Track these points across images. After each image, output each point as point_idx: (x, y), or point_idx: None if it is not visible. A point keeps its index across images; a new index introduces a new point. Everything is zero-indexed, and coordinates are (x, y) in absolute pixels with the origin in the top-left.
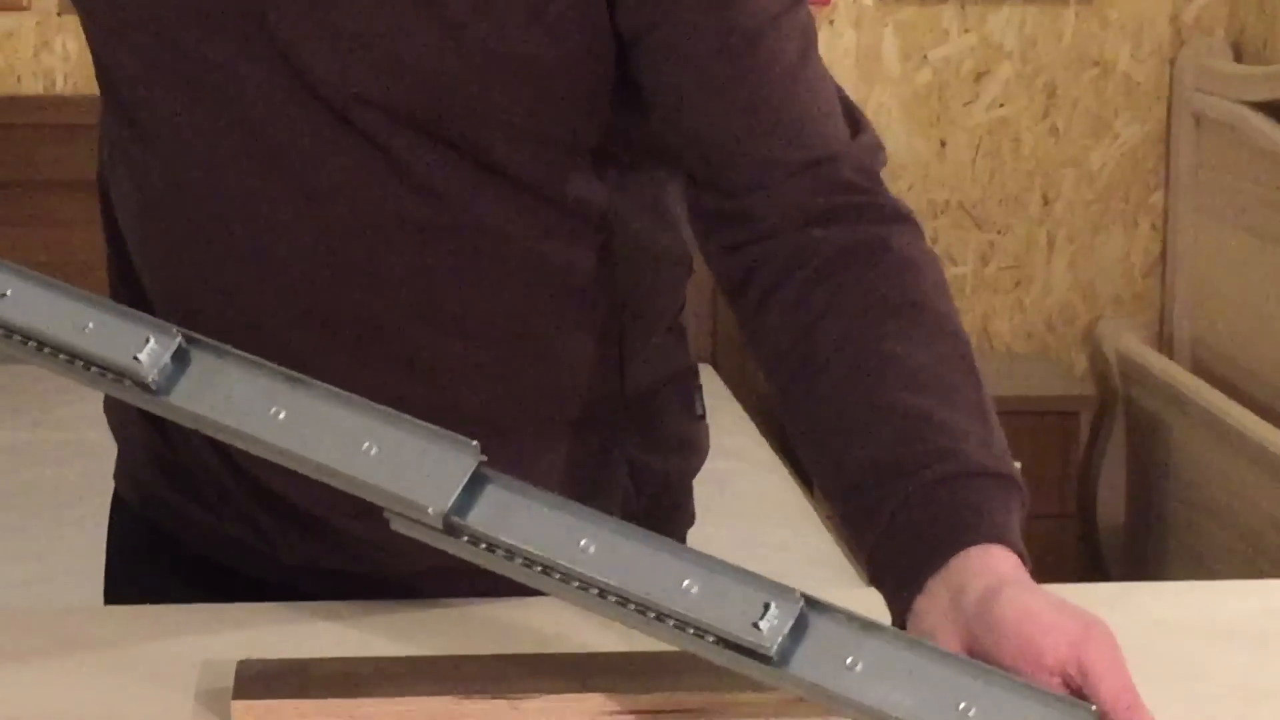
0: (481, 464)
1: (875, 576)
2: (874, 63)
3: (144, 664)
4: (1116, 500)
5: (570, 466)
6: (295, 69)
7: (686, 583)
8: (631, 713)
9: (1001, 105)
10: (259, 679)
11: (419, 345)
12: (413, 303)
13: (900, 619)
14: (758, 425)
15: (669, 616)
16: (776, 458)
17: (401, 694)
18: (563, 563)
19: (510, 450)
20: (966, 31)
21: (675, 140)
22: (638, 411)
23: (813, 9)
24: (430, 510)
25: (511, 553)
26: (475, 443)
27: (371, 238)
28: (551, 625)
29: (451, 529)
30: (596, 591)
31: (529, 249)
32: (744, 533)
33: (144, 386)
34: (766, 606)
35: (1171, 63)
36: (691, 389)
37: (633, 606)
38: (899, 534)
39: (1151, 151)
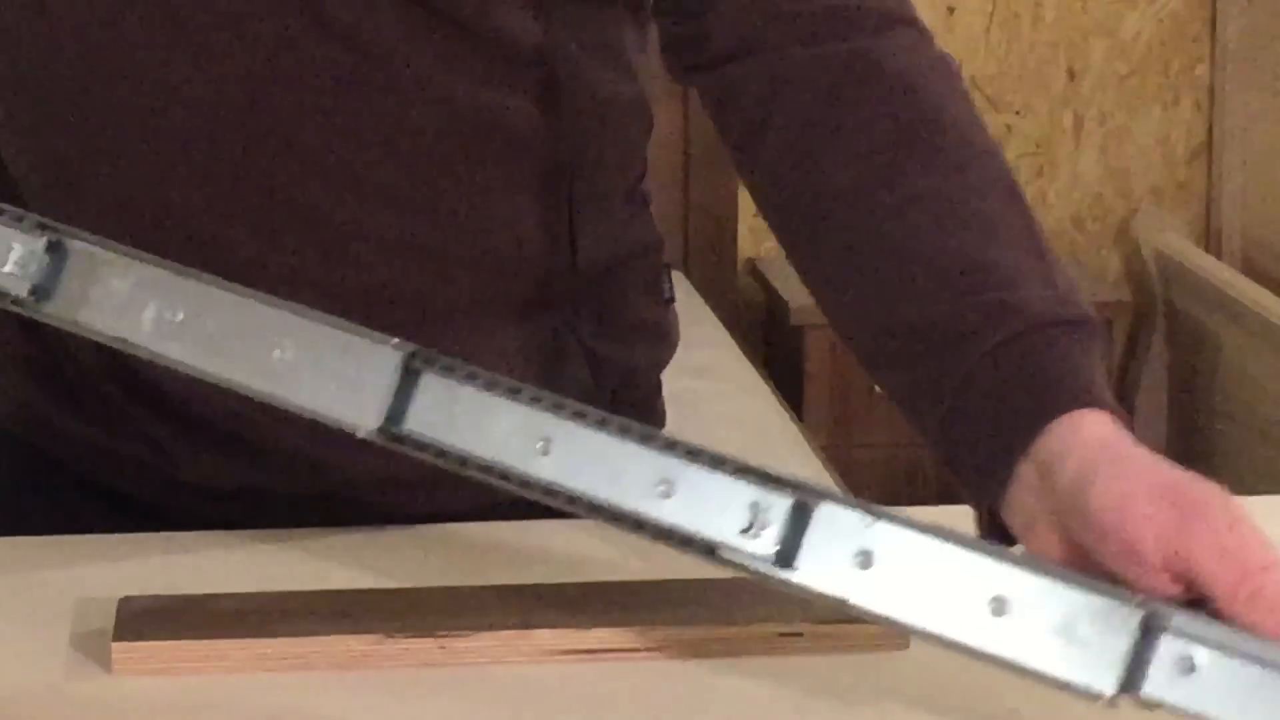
0: (411, 356)
1: (951, 466)
2: None
3: (14, 602)
4: (1157, 420)
5: (518, 357)
6: None
7: (662, 486)
8: (581, 652)
9: None
10: (143, 618)
11: (338, 219)
12: (329, 168)
13: (990, 516)
14: (736, 340)
15: (645, 524)
16: (758, 377)
17: (310, 633)
18: (517, 468)
19: (447, 339)
20: None
21: None
22: (595, 292)
23: None
24: (360, 430)
25: (463, 460)
26: (395, 341)
27: (278, 93)
28: (514, 556)
29: (391, 439)
30: (564, 497)
31: (459, 98)
32: None
33: (15, 302)
34: (755, 506)
35: None
36: (658, 268)
37: (605, 515)
38: (969, 418)
39: (1195, 16)
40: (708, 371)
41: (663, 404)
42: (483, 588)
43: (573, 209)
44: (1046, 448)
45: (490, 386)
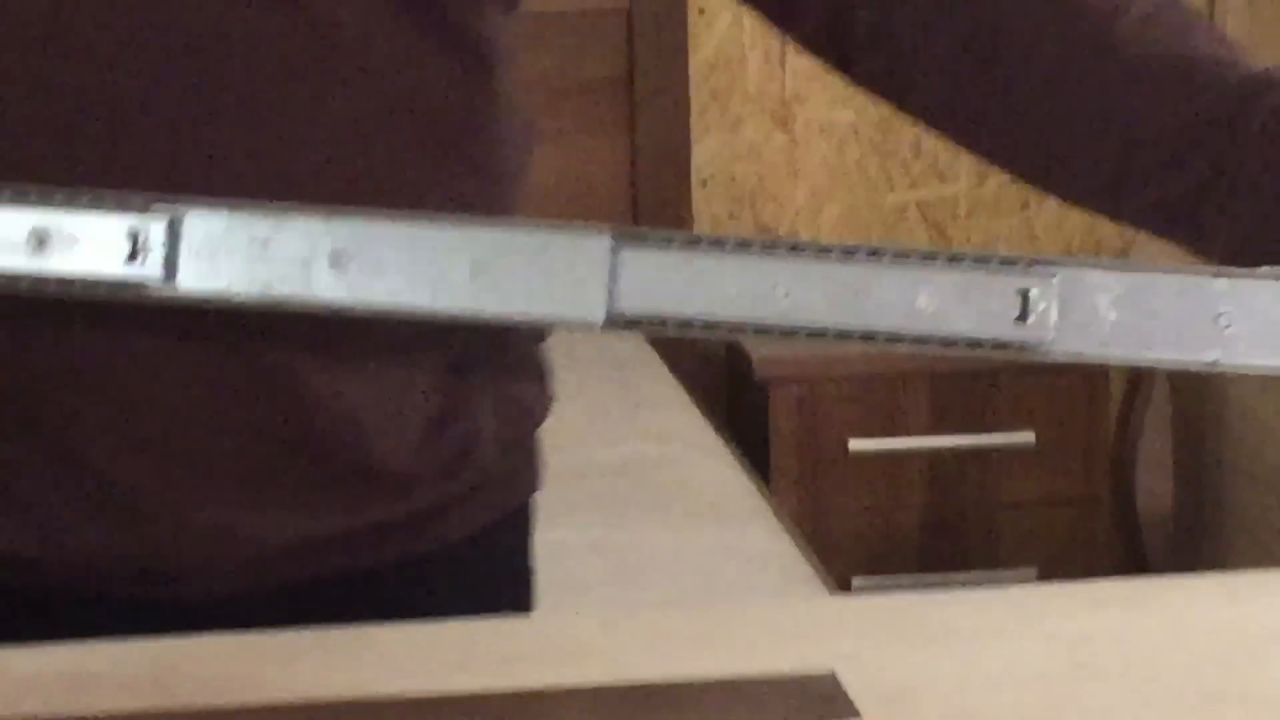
0: (617, 237)
1: (1241, 243)
2: None
3: None
4: (1160, 476)
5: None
6: None
7: (922, 300)
8: None
9: None
10: None
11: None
12: (272, 145)
13: None
14: (695, 399)
15: (909, 339)
16: (719, 439)
17: None
18: (767, 319)
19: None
20: None
21: None
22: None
23: None
24: (591, 324)
25: (708, 323)
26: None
27: (230, 65)
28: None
29: (623, 325)
30: (806, 333)
31: (417, 91)
32: (682, 534)
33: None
34: (1024, 295)
35: None
36: None
37: (859, 336)
38: (1261, 182)
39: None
40: (664, 435)
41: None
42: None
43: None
44: None
45: (694, 248)
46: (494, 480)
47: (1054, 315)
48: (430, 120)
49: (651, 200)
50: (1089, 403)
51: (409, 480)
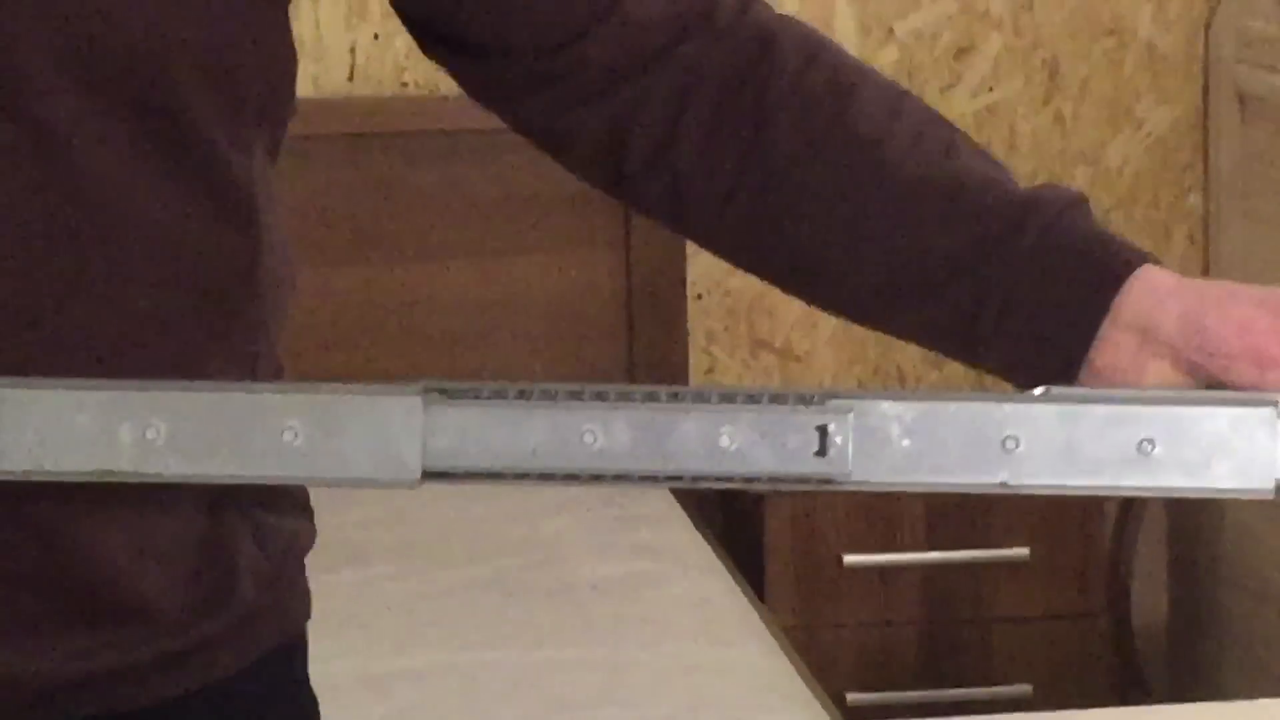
0: (426, 392)
1: (1008, 363)
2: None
3: None
4: (1155, 590)
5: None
6: None
7: (724, 440)
8: None
9: (991, 89)
10: None
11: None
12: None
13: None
14: (689, 515)
15: (711, 479)
16: (713, 554)
17: None
18: (576, 468)
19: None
20: None
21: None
22: None
23: None
24: (406, 479)
25: (518, 473)
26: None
27: None
28: None
29: (436, 478)
30: (613, 477)
31: (176, 236)
32: (674, 652)
33: None
34: (823, 430)
35: (1207, 28)
36: None
37: (664, 479)
38: (1030, 308)
39: (1185, 141)
40: (656, 551)
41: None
42: None
43: (256, 364)
44: (1133, 304)
45: (504, 402)
46: (262, 612)
47: (850, 448)
48: (195, 273)
49: (647, 314)
50: (1083, 517)
51: (175, 615)
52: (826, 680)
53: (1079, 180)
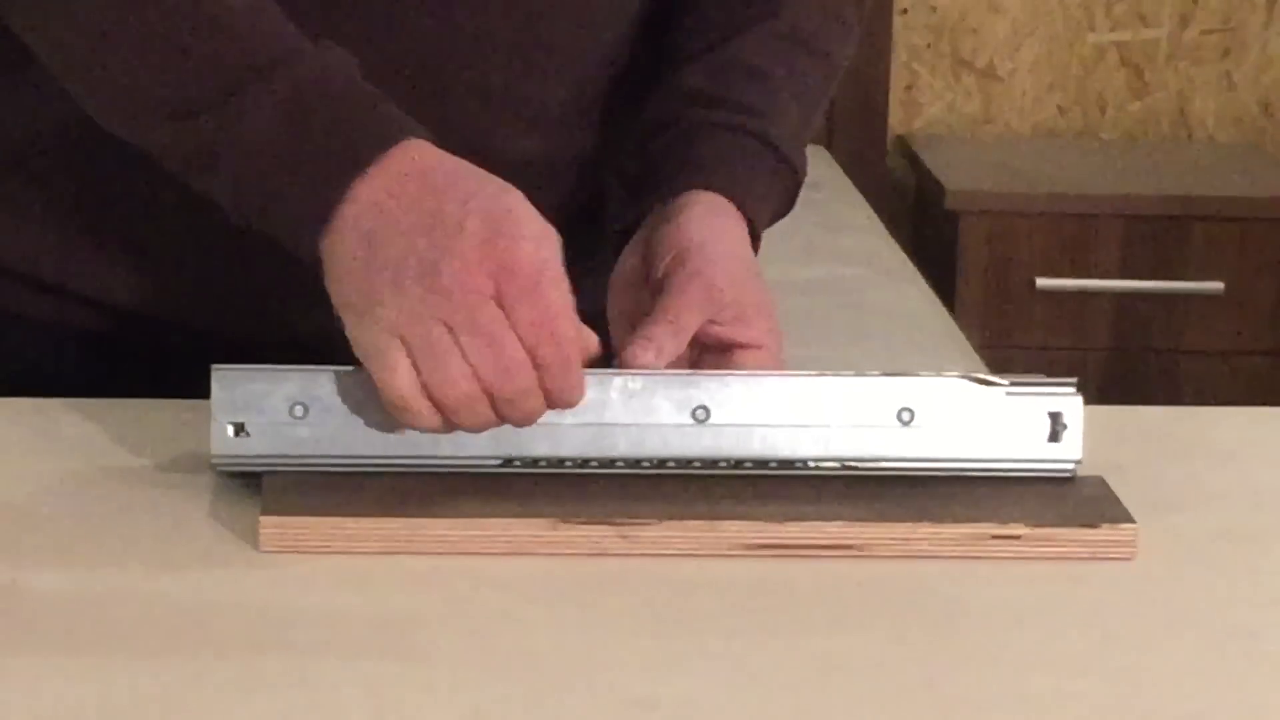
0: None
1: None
2: None
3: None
4: None
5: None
6: None
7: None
8: (773, 547)
9: None
10: (292, 493)
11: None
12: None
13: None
14: (884, 222)
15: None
16: (910, 264)
17: (475, 515)
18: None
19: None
20: None
21: None
22: None
23: None
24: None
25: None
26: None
27: None
28: None
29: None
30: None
31: None
32: (873, 354)
33: None
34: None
35: None
36: None
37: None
38: (646, 162)
39: None
40: (854, 257)
41: None
42: (661, 476)
43: None
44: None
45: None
46: None
47: None
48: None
49: None
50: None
51: None
52: None
53: None
